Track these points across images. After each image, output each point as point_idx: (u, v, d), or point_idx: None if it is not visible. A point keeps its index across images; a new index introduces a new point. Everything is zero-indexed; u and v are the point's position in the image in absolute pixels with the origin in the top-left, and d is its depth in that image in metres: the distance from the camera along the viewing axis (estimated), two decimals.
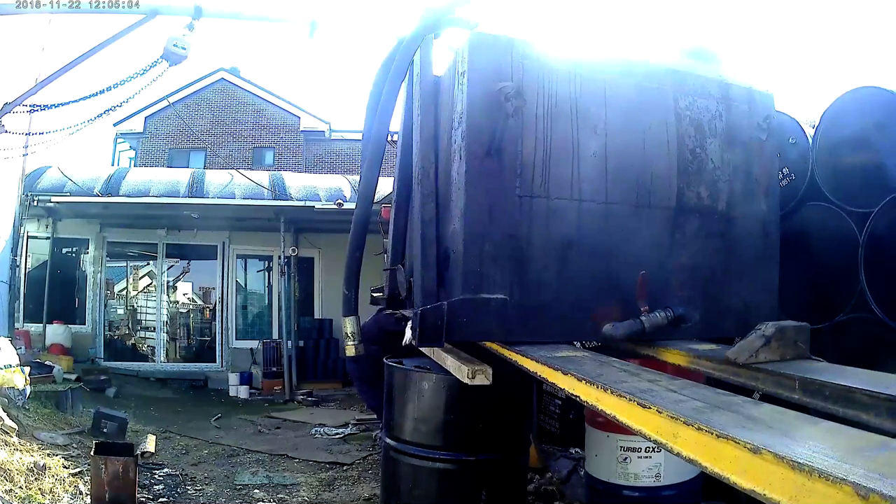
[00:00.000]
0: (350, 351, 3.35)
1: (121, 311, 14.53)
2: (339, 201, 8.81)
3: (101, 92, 4.69)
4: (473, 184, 2.53)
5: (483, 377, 2.51)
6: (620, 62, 2.88)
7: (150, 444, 5.76)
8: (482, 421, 3.09)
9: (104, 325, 11.03)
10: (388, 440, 3.32)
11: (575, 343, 2.73)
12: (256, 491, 4.96)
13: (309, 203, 9.22)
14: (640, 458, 3.23)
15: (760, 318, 2.97)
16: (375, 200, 3.28)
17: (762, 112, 3.11)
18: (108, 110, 4.77)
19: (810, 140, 3.90)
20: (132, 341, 12.93)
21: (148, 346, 12.10)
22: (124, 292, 14.83)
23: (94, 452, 4.04)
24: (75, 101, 4.67)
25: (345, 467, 5.71)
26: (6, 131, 4.86)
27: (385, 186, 5.55)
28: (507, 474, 3.27)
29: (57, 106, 4.69)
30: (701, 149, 2.92)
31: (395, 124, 3.40)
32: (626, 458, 3.34)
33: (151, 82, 4.92)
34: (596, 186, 2.71)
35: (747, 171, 3.05)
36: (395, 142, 3.62)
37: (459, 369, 2.58)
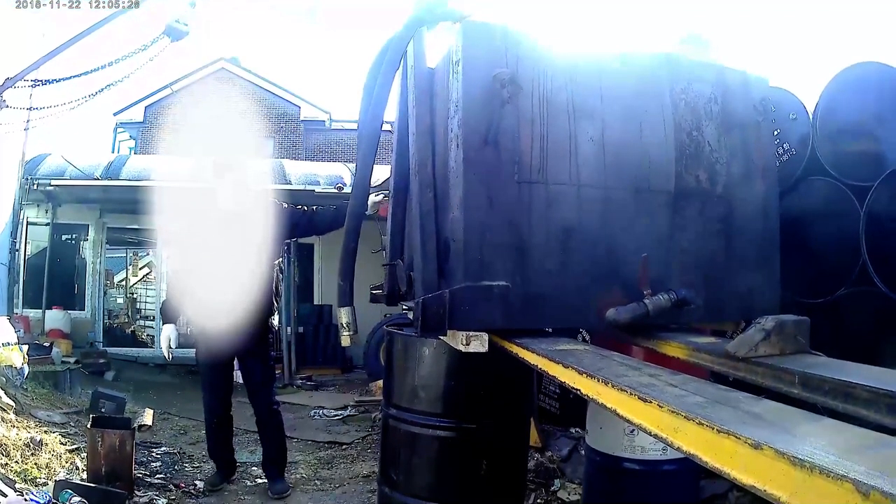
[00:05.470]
0: (345, 341, 3.34)
1: (120, 301, 14.51)
2: (339, 186, 8.80)
3: (104, 67, 4.69)
4: (471, 172, 2.51)
5: (478, 343, 2.48)
6: (616, 49, 2.87)
7: (147, 417, 5.76)
8: (483, 388, 3.09)
9: (103, 312, 11.01)
10: (387, 408, 3.32)
11: (580, 334, 2.70)
12: (254, 468, 4.98)
13: (309, 187, 9.21)
14: None
15: (762, 299, 2.97)
16: (372, 185, 3.25)
17: (757, 95, 3.10)
18: (109, 85, 4.75)
19: (810, 116, 3.90)
20: (131, 329, 12.93)
21: (147, 336, 12.11)
22: (124, 282, 14.82)
23: (91, 425, 4.04)
24: (77, 75, 4.66)
25: (343, 446, 5.72)
26: (7, 106, 4.85)
27: (382, 173, 5.53)
28: (508, 444, 3.27)
29: (59, 80, 4.67)
30: (697, 131, 2.92)
31: (391, 115, 3.37)
32: (633, 430, 3.33)
33: (153, 58, 4.91)
34: (594, 171, 2.70)
35: (745, 154, 3.05)
36: (389, 131, 3.58)
37: (454, 336, 2.55)
